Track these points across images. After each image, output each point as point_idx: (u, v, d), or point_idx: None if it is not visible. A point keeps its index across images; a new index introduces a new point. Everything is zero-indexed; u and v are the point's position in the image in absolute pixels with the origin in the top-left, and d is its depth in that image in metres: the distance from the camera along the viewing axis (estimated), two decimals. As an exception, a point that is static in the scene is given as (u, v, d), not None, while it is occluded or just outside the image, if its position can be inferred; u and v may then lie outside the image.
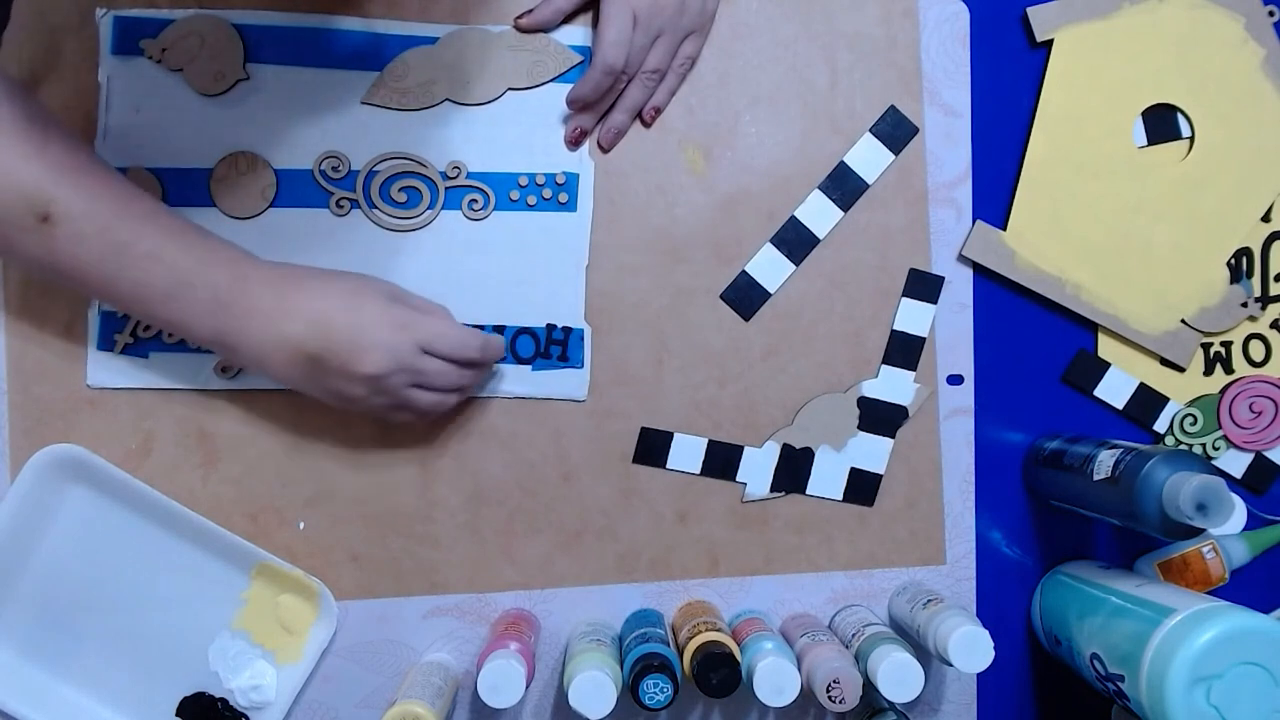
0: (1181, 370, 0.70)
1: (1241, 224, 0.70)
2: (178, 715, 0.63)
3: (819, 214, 0.67)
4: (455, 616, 0.66)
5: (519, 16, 0.64)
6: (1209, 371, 0.70)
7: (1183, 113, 0.69)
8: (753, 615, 0.66)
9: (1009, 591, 0.70)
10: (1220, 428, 0.70)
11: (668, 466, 0.67)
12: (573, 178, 0.65)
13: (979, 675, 0.70)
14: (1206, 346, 0.70)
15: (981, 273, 0.69)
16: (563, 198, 0.65)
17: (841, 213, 0.67)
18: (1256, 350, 0.71)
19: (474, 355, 0.59)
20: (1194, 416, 0.70)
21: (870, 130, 0.68)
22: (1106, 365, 0.70)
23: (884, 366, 0.68)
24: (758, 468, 0.67)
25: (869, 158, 0.68)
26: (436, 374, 0.58)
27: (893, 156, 0.68)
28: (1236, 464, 0.71)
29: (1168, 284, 0.69)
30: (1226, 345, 0.70)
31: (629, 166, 0.66)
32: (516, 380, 0.65)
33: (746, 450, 0.67)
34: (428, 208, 0.64)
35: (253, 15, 0.63)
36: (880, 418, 0.68)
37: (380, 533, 0.65)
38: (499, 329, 0.65)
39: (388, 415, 0.59)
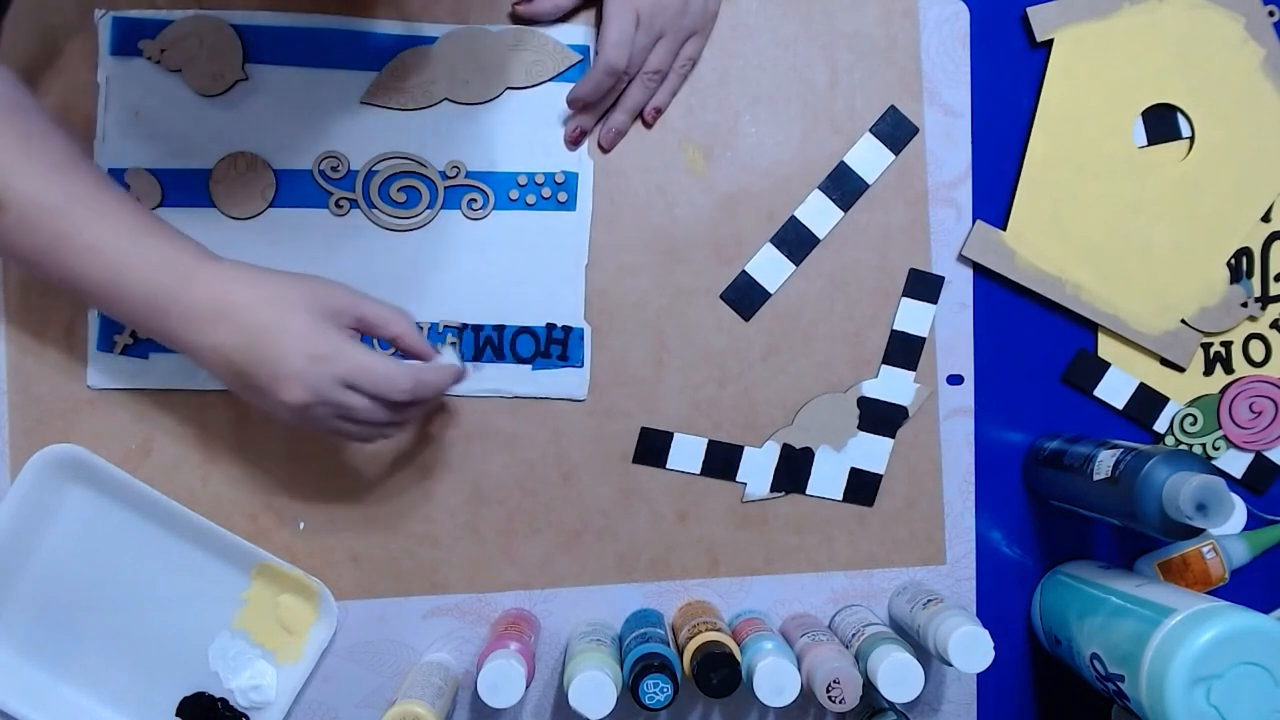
0: (1181, 370, 0.70)
1: (1241, 224, 0.70)
2: (178, 715, 0.63)
3: (819, 214, 0.67)
4: (455, 616, 0.66)
5: (516, 2, 0.64)
6: (1209, 371, 0.70)
7: (1183, 113, 0.69)
8: (753, 615, 0.66)
9: (1009, 591, 0.70)
10: (1220, 428, 0.70)
11: (668, 466, 0.67)
12: (572, 177, 0.65)
13: (979, 675, 0.70)
14: (1206, 346, 0.70)
15: (981, 273, 0.69)
16: (562, 197, 0.65)
17: (841, 213, 0.67)
18: (1256, 350, 0.71)
19: (400, 396, 0.54)
20: (1194, 416, 0.70)
21: (870, 130, 0.68)
22: (1106, 365, 0.70)
23: (884, 366, 0.68)
24: (758, 468, 0.67)
25: (869, 158, 0.68)
26: (361, 410, 0.54)
27: (893, 156, 0.68)
28: (1236, 464, 0.71)
29: (1168, 284, 0.69)
30: (1226, 345, 0.70)
31: (629, 166, 0.66)
32: (516, 380, 0.65)
33: (746, 450, 0.67)
34: (427, 207, 0.64)
35: (252, 16, 0.63)
36: (880, 418, 0.68)
37: (380, 533, 0.65)
38: (499, 328, 0.65)
39: (330, 436, 0.57)
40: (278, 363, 0.51)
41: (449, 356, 0.59)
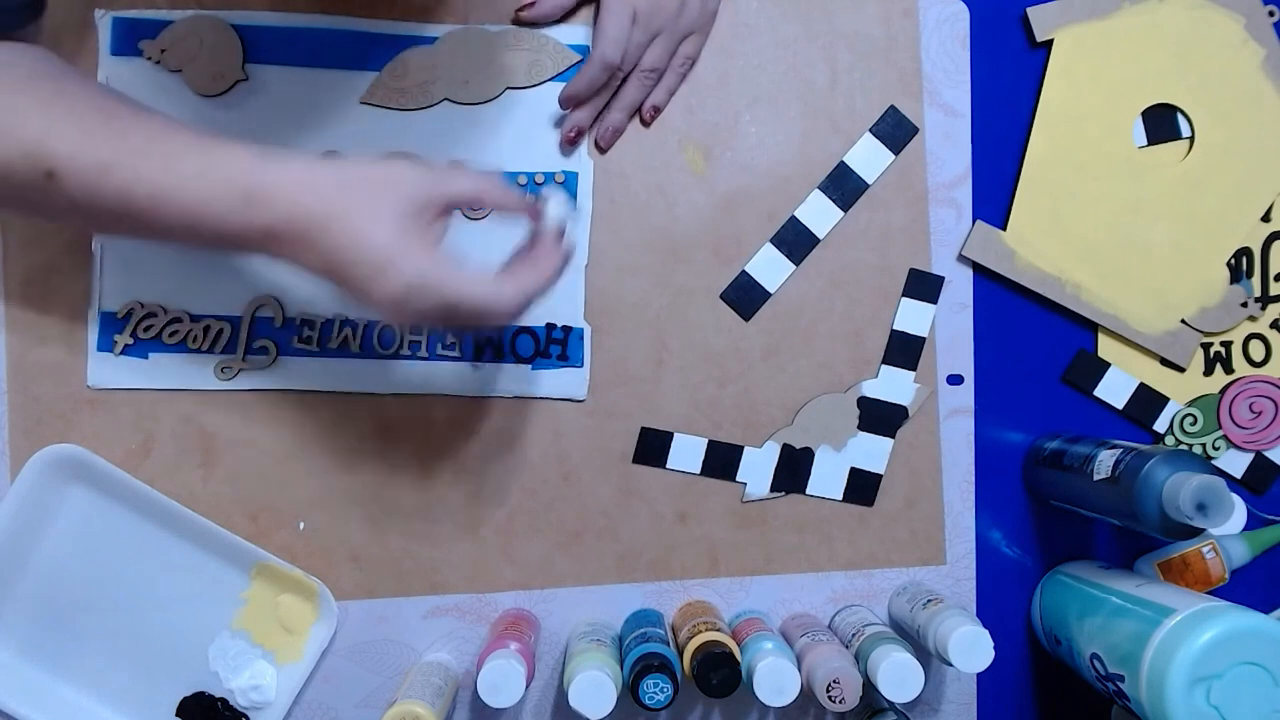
0: (1181, 370, 0.70)
1: (1241, 224, 0.70)
2: (178, 715, 0.63)
3: (819, 214, 0.67)
4: (455, 616, 0.66)
5: (519, 9, 0.64)
6: (1209, 371, 0.70)
7: (1183, 113, 0.69)
8: (753, 615, 0.66)
9: (1009, 591, 0.70)
10: (1220, 428, 0.70)
11: (668, 466, 0.67)
12: (572, 177, 0.65)
13: (979, 675, 0.70)
14: (1206, 346, 0.70)
15: (981, 273, 0.69)
16: (562, 198, 0.65)
17: (841, 213, 0.67)
18: (1256, 350, 0.71)
19: (505, 321, 0.51)
20: (1194, 416, 0.70)
21: (870, 130, 0.68)
22: (1106, 365, 0.70)
23: (884, 366, 0.68)
24: (758, 468, 0.67)
25: (869, 158, 0.68)
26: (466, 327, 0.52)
27: (893, 156, 0.68)
28: (1236, 464, 0.71)
29: (1168, 284, 0.69)
30: (1226, 345, 0.70)
31: (629, 166, 0.66)
32: (516, 380, 0.65)
33: (746, 450, 0.67)
34: (427, 208, 0.64)
35: (252, 16, 0.63)
36: (880, 418, 0.68)
37: (380, 533, 0.65)
38: (499, 329, 0.65)
39: None
40: (368, 292, 0.48)
41: (554, 208, 0.54)
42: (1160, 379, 0.70)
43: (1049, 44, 0.68)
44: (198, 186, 0.48)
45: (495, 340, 0.65)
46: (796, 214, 0.67)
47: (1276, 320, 0.71)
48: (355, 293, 0.48)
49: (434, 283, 0.48)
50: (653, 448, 0.66)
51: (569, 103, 0.64)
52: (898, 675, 0.58)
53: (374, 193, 0.48)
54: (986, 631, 0.58)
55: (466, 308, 0.49)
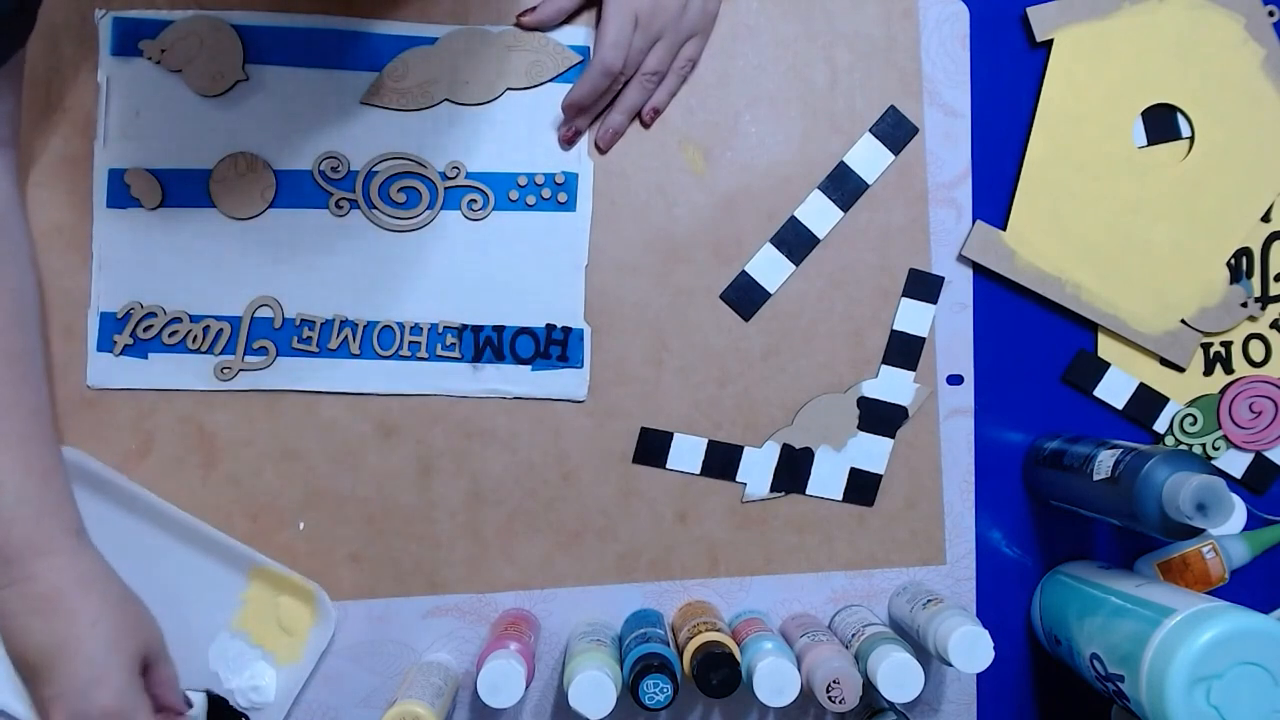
0: (1181, 370, 0.70)
1: (1241, 224, 0.70)
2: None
3: (819, 214, 0.67)
4: (455, 616, 0.66)
5: (521, 14, 0.64)
6: (1209, 371, 0.70)
7: (1183, 113, 0.69)
8: (753, 615, 0.66)
9: (1009, 591, 0.70)
10: (1220, 428, 0.70)
11: (668, 466, 0.67)
12: (572, 177, 0.65)
13: (979, 675, 0.70)
14: (1206, 346, 0.70)
15: (981, 273, 0.69)
16: (562, 197, 0.65)
17: (841, 213, 0.67)
18: (1256, 350, 0.71)
19: None
20: (1194, 416, 0.70)
21: (870, 130, 0.68)
22: (1106, 365, 0.70)
23: (884, 366, 0.68)
24: (758, 468, 0.67)
25: (869, 158, 0.68)
26: None
27: (893, 156, 0.68)
28: (1236, 464, 0.71)
29: (1168, 284, 0.69)
30: (1226, 345, 0.70)
31: (629, 166, 0.66)
32: (516, 380, 0.65)
33: (746, 450, 0.67)
34: (427, 208, 0.64)
35: (252, 16, 0.63)
36: (880, 418, 0.68)
37: (380, 533, 0.65)
38: (499, 329, 0.65)
39: None
40: (84, 692, 0.50)
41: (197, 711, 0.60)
42: (1160, 379, 0.70)
43: (1049, 44, 0.68)
44: (11, 491, 0.50)
45: (495, 341, 0.65)
46: (796, 214, 0.67)
47: (1276, 320, 0.71)
48: (64, 683, 0.50)
49: (130, 714, 0.51)
50: (653, 448, 0.66)
51: (572, 110, 0.63)
52: (898, 675, 0.58)
53: (132, 623, 0.53)
54: (986, 631, 0.58)
55: None
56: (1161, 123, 0.69)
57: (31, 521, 0.51)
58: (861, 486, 0.68)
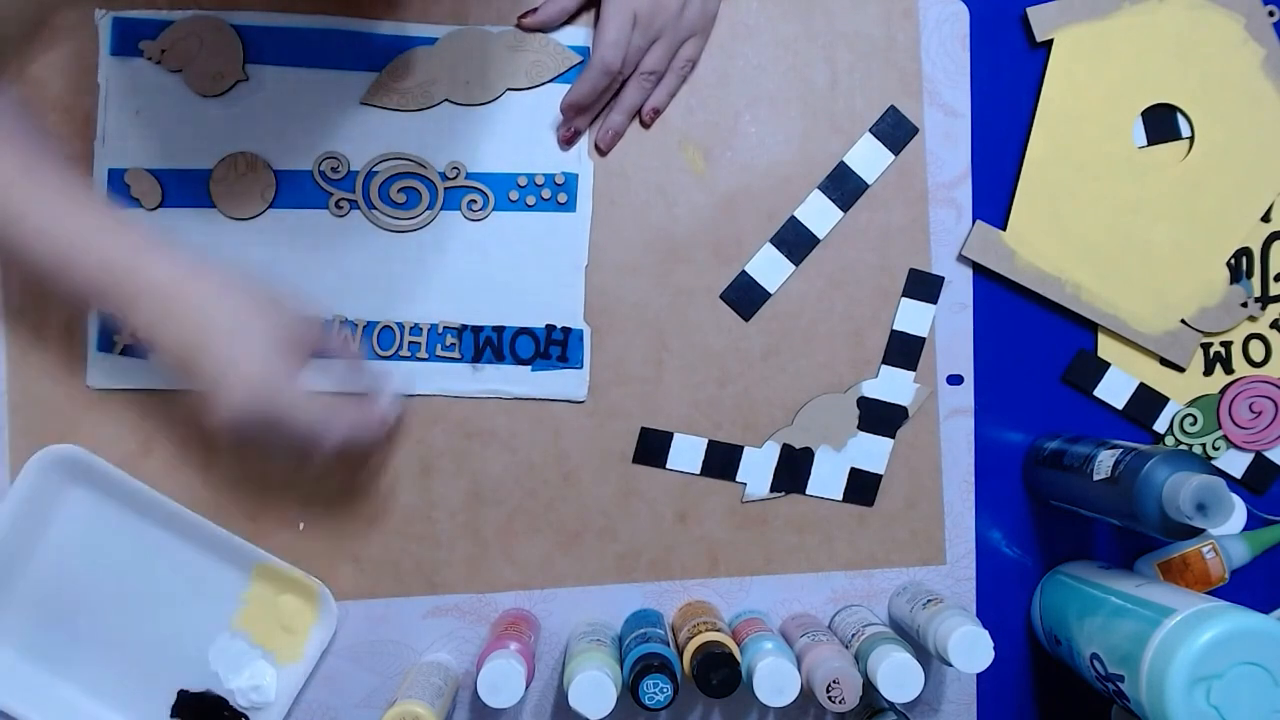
0: (1181, 370, 0.70)
1: (1241, 224, 0.70)
2: (174, 715, 0.63)
3: (819, 214, 0.67)
4: (455, 616, 0.66)
5: (522, 16, 0.64)
6: (1209, 371, 0.70)
7: (1183, 113, 0.69)
8: (753, 615, 0.66)
9: (1009, 591, 0.70)
10: (1220, 428, 0.70)
11: (668, 466, 0.67)
12: (572, 178, 0.65)
13: (979, 675, 0.70)
14: (1206, 346, 0.70)
15: (981, 273, 0.69)
16: (562, 198, 0.65)
17: (841, 213, 0.67)
18: (1256, 350, 0.71)
19: (328, 446, 0.55)
20: (1194, 416, 0.70)
21: (870, 130, 0.68)
22: (1106, 365, 0.70)
23: (884, 366, 0.68)
24: (758, 468, 0.67)
25: (869, 158, 0.68)
26: (289, 441, 0.54)
27: (893, 156, 0.68)
28: (1236, 464, 0.71)
29: (1168, 284, 0.69)
30: (1226, 345, 0.70)
31: (629, 166, 0.66)
32: (516, 380, 0.65)
33: (746, 450, 0.67)
34: (427, 208, 0.64)
35: (252, 16, 0.63)
36: (880, 418, 0.68)
37: (380, 533, 0.65)
38: (499, 329, 0.65)
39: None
40: (219, 377, 0.51)
41: (388, 397, 0.60)
42: (1160, 379, 0.70)
43: (1049, 44, 0.68)
44: (91, 226, 0.51)
45: (495, 341, 0.65)
46: (796, 214, 0.67)
47: (1276, 320, 0.71)
48: (201, 374, 0.51)
49: (277, 392, 0.52)
50: (653, 448, 0.66)
51: (571, 111, 0.63)
52: (898, 675, 0.58)
53: (260, 310, 0.53)
54: (986, 631, 0.58)
55: (296, 425, 0.53)
56: (1161, 123, 0.69)
57: (124, 245, 0.52)
58: (861, 486, 0.68)
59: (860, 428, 0.68)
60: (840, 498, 0.68)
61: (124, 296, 0.51)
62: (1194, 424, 0.70)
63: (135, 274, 0.51)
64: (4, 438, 0.63)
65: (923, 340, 0.68)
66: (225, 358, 0.51)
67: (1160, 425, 0.70)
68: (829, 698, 0.57)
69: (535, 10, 0.64)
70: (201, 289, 0.52)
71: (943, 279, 0.68)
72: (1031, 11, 0.68)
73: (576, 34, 0.65)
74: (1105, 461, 0.60)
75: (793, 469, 0.67)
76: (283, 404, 0.52)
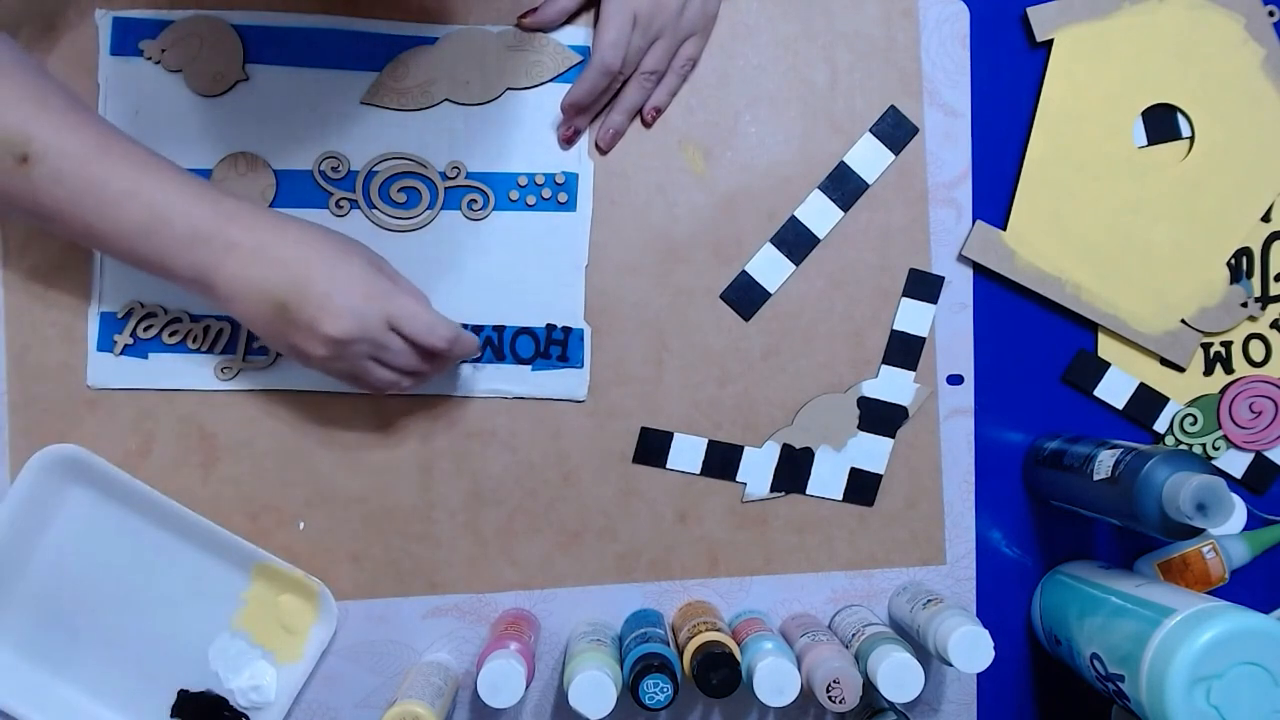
0: (1181, 370, 0.70)
1: (1241, 224, 0.70)
2: (175, 715, 0.63)
3: (819, 214, 0.67)
4: (455, 616, 0.66)
5: (522, 15, 0.64)
6: (1209, 371, 0.70)
7: (1183, 113, 0.69)
8: (753, 615, 0.66)
9: (1009, 591, 0.70)
10: (1220, 428, 0.70)
11: (668, 466, 0.67)
12: (572, 177, 0.65)
13: (979, 675, 0.70)
14: (1206, 346, 0.70)
15: (981, 273, 0.69)
16: (562, 198, 0.65)
17: (841, 213, 0.67)
18: (1256, 350, 0.71)
19: (440, 344, 0.57)
20: (1194, 416, 0.70)
21: (870, 130, 0.68)
22: (1106, 365, 0.70)
23: (884, 366, 0.68)
24: (758, 468, 0.67)
25: (869, 158, 0.68)
26: (398, 353, 0.56)
27: (893, 156, 0.68)
28: (1236, 464, 0.71)
29: (1168, 284, 0.69)
30: (1226, 345, 0.70)
31: (629, 166, 0.66)
32: (516, 380, 0.65)
33: (746, 450, 0.67)
34: (427, 208, 0.64)
35: (252, 16, 0.63)
36: (880, 418, 0.68)
37: (380, 533, 0.65)
38: (499, 329, 0.65)
39: (342, 379, 0.58)
40: (332, 293, 0.53)
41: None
42: (1160, 379, 0.70)
43: (1049, 44, 0.68)
44: (177, 187, 0.53)
45: (495, 341, 0.65)
46: (796, 214, 0.67)
47: (1276, 320, 0.71)
48: (306, 304, 0.53)
49: (384, 296, 0.55)
50: (653, 448, 0.66)
51: (571, 110, 0.63)
52: (898, 675, 0.58)
53: (351, 243, 0.57)
54: (986, 631, 0.58)
55: (409, 325, 0.56)
56: (1161, 123, 0.69)
57: (207, 201, 0.53)
58: (861, 486, 0.68)
59: (860, 428, 0.68)
60: (840, 498, 0.68)
61: (216, 250, 0.53)
62: (1194, 424, 0.70)
63: (230, 225, 0.53)
64: (4, 438, 0.63)
65: (923, 340, 0.68)
66: (331, 279, 0.54)
67: (1160, 425, 0.70)
68: (829, 698, 0.57)
69: (535, 10, 0.64)
70: (294, 230, 0.55)
71: (943, 279, 0.68)
72: (1031, 11, 0.68)
73: (576, 34, 0.65)
74: (1105, 461, 0.60)
75: (793, 469, 0.67)
76: (393, 310, 0.55)
